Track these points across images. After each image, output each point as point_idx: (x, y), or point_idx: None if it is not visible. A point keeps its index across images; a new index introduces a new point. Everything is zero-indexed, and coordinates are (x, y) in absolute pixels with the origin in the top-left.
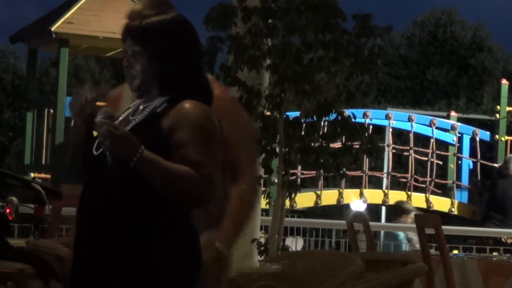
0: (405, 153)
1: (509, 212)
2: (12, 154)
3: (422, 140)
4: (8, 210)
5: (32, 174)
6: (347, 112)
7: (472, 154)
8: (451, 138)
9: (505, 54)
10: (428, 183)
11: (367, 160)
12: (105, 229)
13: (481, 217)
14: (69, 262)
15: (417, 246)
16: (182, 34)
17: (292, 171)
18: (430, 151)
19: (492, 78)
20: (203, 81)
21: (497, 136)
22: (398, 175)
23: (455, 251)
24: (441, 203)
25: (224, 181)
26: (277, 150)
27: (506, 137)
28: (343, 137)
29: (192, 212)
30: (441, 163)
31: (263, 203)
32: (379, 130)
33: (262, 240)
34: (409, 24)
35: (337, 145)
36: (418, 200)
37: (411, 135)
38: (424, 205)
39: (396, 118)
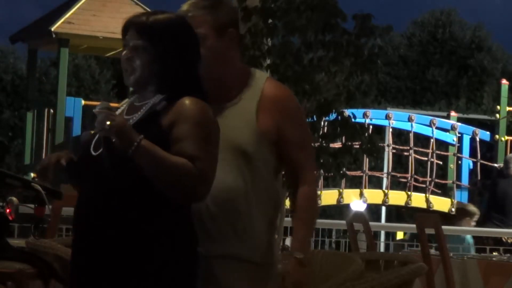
0: (405, 153)
1: (510, 212)
2: (12, 154)
3: (422, 140)
4: (8, 210)
5: (32, 174)
6: (347, 112)
7: (472, 154)
8: (451, 138)
9: (504, 54)
10: (428, 183)
11: (367, 160)
12: (104, 230)
13: (481, 217)
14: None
15: None
16: (186, 34)
17: None
18: (430, 151)
19: (492, 78)
20: (199, 81)
21: (497, 136)
22: (398, 175)
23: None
24: (441, 203)
25: (277, 183)
26: None
27: (506, 137)
28: (343, 137)
29: (192, 214)
30: (441, 163)
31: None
32: (379, 130)
33: None
34: (409, 24)
35: (337, 145)
36: (418, 200)
37: (411, 135)
38: (424, 205)
39: (396, 118)
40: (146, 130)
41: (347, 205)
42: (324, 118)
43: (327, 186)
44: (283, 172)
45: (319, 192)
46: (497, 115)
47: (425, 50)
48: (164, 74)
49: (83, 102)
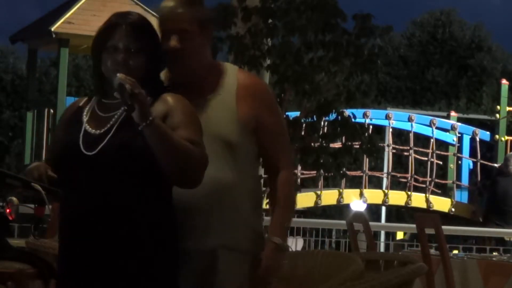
0: (405, 153)
1: (510, 211)
2: (12, 154)
3: (422, 140)
4: (8, 210)
5: None
6: (347, 112)
7: (472, 154)
8: (451, 138)
9: (504, 53)
10: (428, 183)
11: (367, 160)
12: (103, 228)
13: (481, 217)
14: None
15: None
16: (157, 33)
17: None
18: (430, 151)
19: (492, 78)
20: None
21: (497, 136)
22: (398, 175)
23: (455, 251)
24: (441, 203)
25: (255, 169)
26: None
27: (506, 137)
28: (343, 137)
29: (174, 207)
30: (441, 163)
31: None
32: (379, 130)
33: None
34: (408, 24)
35: (337, 145)
36: (418, 200)
37: (411, 135)
38: (424, 205)
39: (396, 118)
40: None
41: (347, 205)
42: (324, 118)
43: (327, 186)
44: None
45: (319, 192)
46: (497, 115)
47: (425, 50)
48: (150, 74)
49: None
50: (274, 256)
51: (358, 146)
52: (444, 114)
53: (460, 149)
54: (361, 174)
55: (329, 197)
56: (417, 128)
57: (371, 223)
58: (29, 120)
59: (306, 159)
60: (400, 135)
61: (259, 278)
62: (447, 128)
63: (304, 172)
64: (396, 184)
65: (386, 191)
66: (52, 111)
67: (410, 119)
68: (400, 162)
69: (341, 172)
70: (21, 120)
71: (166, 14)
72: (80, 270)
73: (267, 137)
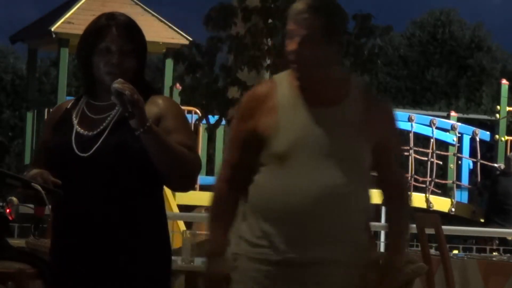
0: (405, 153)
1: (511, 211)
2: (12, 154)
3: (422, 140)
4: (8, 210)
5: None
6: None
7: (472, 154)
8: (451, 138)
9: (504, 53)
10: (428, 183)
11: None
12: (98, 228)
13: (481, 217)
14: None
15: None
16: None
17: None
18: (430, 151)
19: (491, 78)
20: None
21: (497, 136)
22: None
23: (455, 251)
24: (441, 203)
25: (369, 182)
26: None
27: (506, 137)
28: None
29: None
30: (441, 163)
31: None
32: None
33: None
34: (408, 24)
35: None
36: (418, 200)
37: (411, 135)
38: (424, 205)
39: None
40: (128, 126)
41: None
42: None
43: None
44: None
45: None
46: (497, 115)
47: (425, 50)
48: (139, 75)
49: None
50: (394, 275)
51: None
52: (444, 114)
53: (460, 149)
54: None
55: None
56: (417, 128)
57: (371, 223)
58: (29, 120)
59: None
60: (400, 135)
61: None
62: (447, 128)
63: None
64: None
65: None
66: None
67: (410, 119)
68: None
69: None
70: (21, 120)
71: (293, 16)
72: (73, 271)
73: (389, 156)
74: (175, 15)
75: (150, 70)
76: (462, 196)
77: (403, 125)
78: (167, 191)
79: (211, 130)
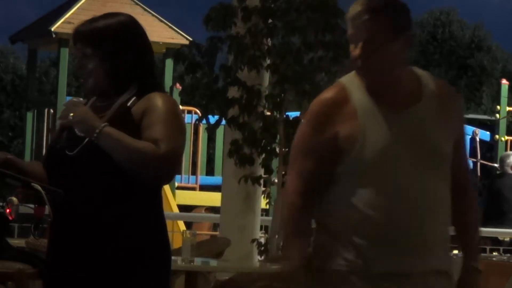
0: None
1: (506, 211)
2: (12, 154)
3: None
4: (8, 210)
5: None
6: None
7: (472, 154)
8: None
9: (504, 53)
10: None
11: None
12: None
13: (481, 217)
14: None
15: None
16: (130, 32)
17: None
18: None
19: (491, 78)
20: (154, 75)
21: (497, 136)
22: None
23: (455, 251)
24: None
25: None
26: (277, 150)
27: (506, 137)
28: None
29: (161, 203)
30: None
31: (263, 203)
32: None
33: (262, 240)
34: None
35: None
36: None
37: None
38: None
39: None
40: (120, 127)
41: None
42: None
43: None
44: None
45: None
46: (497, 115)
47: (425, 50)
48: (116, 74)
49: None
50: (477, 282)
51: None
52: None
53: None
54: None
55: None
56: None
57: None
58: (29, 120)
59: None
60: None
61: None
62: None
63: None
64: None
65: None
66: (52, 111)
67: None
68: None
69: None
70: (21, 120)
71: (351, 19)
72: (66, 268)
73: (461, 153)
74: (175, 15)
75: None
76: None
77: None
78: (167, 191)
79: (211, 130)
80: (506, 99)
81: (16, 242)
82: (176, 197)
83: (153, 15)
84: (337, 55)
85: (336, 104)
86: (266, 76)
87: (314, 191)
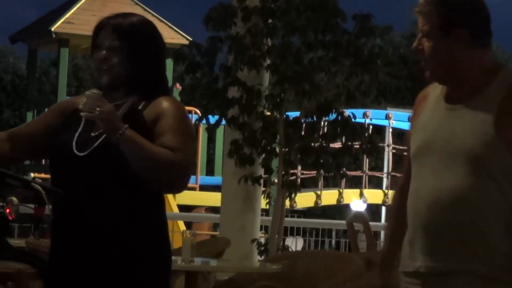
0: (405, 153)
1: None
2: None
3: None
4: (8, 210)
5: (32, 174)
6: (347, 112)
7: None
8: None
9: (505, 54)
10: None
11: (367, 160)
12: (91, 228)
13: None
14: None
15: None
16: (157, 37)
17: (292, 171)
18: None
19: None
20: (166, 80)
21: None
22: (398, 175)
23: None
24: None
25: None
26: (277, 150)
27: None
28: (343, 137)
29: (164, 208)
30: None
31: (263, 203)
32: (379, 130)
33: (262, 240)
34: (409, 24)
35: (337, 145)
36: None
37: None
38: None
39: (396, 118)
40: (131, 127)
41: (347, 205)
42: (324, 118)
43: (327, 186)
44: None
45: (319, 192)
46: None
47: None
48: (137, 75)
49: None
50: None
51: (358, 146)
52: None
53: None
54: (361, 174)
55: (329, 197)
56: None
57: (371, 223)
58: (29, 120)
59: (306, 159)
60: (400, 135)
61: None
62: None
63: (304, 172)
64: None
65: (386, 191)
66: None
67: (410, 119)
68: (400, 162)
69: (341, 172)
70: (21, 120)
71: (416, 11)
72: (69, 268)
73: None
74: (175, 15)
75: None
76: None
77: (402, 125)
78: None
79: (211, 130)
80: None
81: (16, 242)
82: (176, 197)
83: (153, 15)
84: (337, 55)
85: (421, 99)
86: (266, 76)
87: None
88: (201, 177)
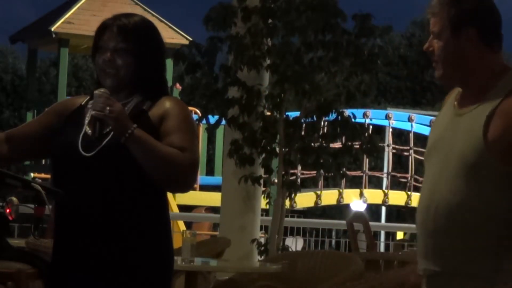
0: (405, 153)
1: None
2: None
3: (422, 140)
4: (8, 210)
5: (32, 174)
6: (347, 112)
7: None
8: None
9: (504, 53)
10: None
11: (367, 160)
12: (98, 228)
13: None
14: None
15: None
16: (159, 35)
17: (292, 171)
18: None
19: None
20: (166, 81)
21: None
22: (398, 175)
23: None
24: None
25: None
26: (277, 150)
27: None
28: (343, 137)
29: (167, 210)
30: None
31: (263, 203)
32: (379, 130)
33: (262, 240)
34: (408, 24)
35: (337, 145)
36: (418, 199)
37: (411, 135)
38: None
39: (396, 118)
40: (138, 127)
41: (347, 205)
42: (324, 118)
43: (327, 186)
44: None
45: (319, 192)
46: None
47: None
48: (141, 76)
49: None
50: None
51: (358, 146)
52: None
53: None
54: (361, 174)
55: (329, 197)
56: (417, 128)
57: (371, 223)
58: (29, 120)
59: (306, 159)
60: (400, 135)
61: None
62: None
63: (304, 172)
64: (396, 184)
65: (386, 191)
66: None
67: (410, 119)
68: (400, 162)
69: (341, 172)
70: (21, 120)
71: (428, 14)
72: (72, 268)
73: None
74: (175, 15)
75: None
76: None
77: (403, 125)
78: None
79: (211, 130)
80: None
81: (16, 242)
82: (176, 197)
83: (153, 15)
84: (337, 55)
85: (444, 102)
86: (266, 76)
87: None
88: (201, 177)
